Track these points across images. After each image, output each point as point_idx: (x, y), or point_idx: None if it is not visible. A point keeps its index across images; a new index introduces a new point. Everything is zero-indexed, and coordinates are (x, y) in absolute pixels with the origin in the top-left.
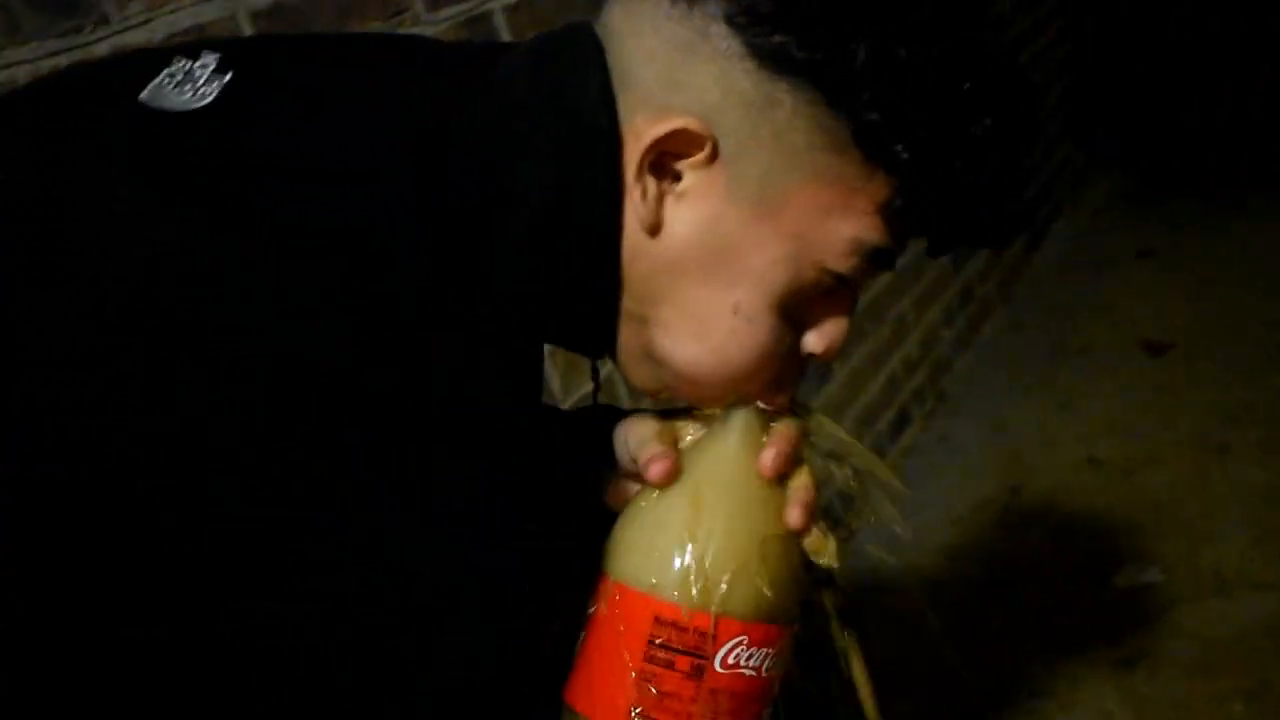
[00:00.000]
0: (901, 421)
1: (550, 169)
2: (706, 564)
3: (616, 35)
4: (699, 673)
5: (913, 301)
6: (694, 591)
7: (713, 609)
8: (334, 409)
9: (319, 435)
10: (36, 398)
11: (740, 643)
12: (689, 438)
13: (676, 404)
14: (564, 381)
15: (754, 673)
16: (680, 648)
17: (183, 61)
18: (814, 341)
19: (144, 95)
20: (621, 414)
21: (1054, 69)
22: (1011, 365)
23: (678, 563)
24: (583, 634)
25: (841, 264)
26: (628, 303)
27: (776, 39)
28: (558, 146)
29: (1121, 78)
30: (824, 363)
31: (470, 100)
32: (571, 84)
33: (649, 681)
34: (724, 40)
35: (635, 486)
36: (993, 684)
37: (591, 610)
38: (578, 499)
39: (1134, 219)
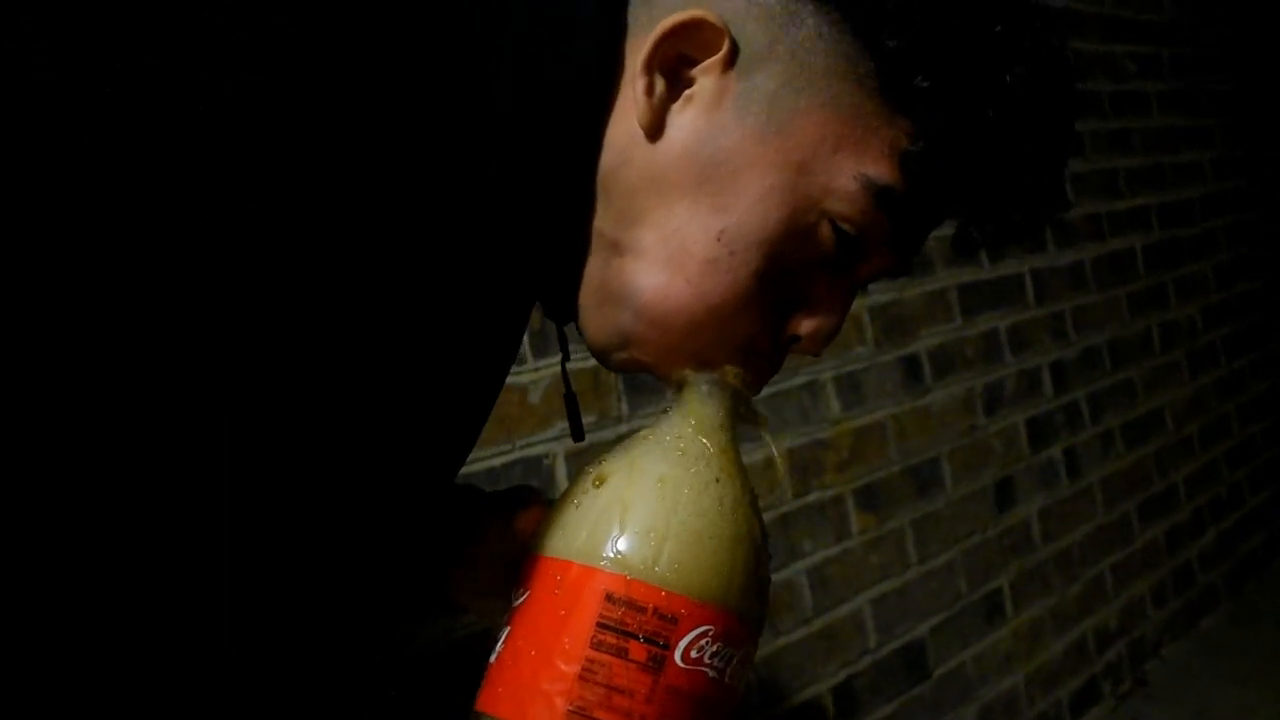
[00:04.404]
0: (1089, 694)
1: (518, 59)
2: (673, 539)
3: None
4: (657, 664)
5: (1111, 567)
6: (657, 567)
7: (678, 587)
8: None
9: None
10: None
11: (706, 634)
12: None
13: (635, 372)
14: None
15: (717, 675)
16: (636, 631)
17: None
18: (801, 321)
19: None
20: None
21: None
22: (1232, 659)
23: (638, 535)
24: (504, 630)
25: (844, 207)
26: (603, 224)
27: None
28: (529, 37)
29: None
30: (808, 354)
31: None
32: None
33: (595, 674)
34: None
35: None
36: None
37: (519, 600)
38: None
39: None
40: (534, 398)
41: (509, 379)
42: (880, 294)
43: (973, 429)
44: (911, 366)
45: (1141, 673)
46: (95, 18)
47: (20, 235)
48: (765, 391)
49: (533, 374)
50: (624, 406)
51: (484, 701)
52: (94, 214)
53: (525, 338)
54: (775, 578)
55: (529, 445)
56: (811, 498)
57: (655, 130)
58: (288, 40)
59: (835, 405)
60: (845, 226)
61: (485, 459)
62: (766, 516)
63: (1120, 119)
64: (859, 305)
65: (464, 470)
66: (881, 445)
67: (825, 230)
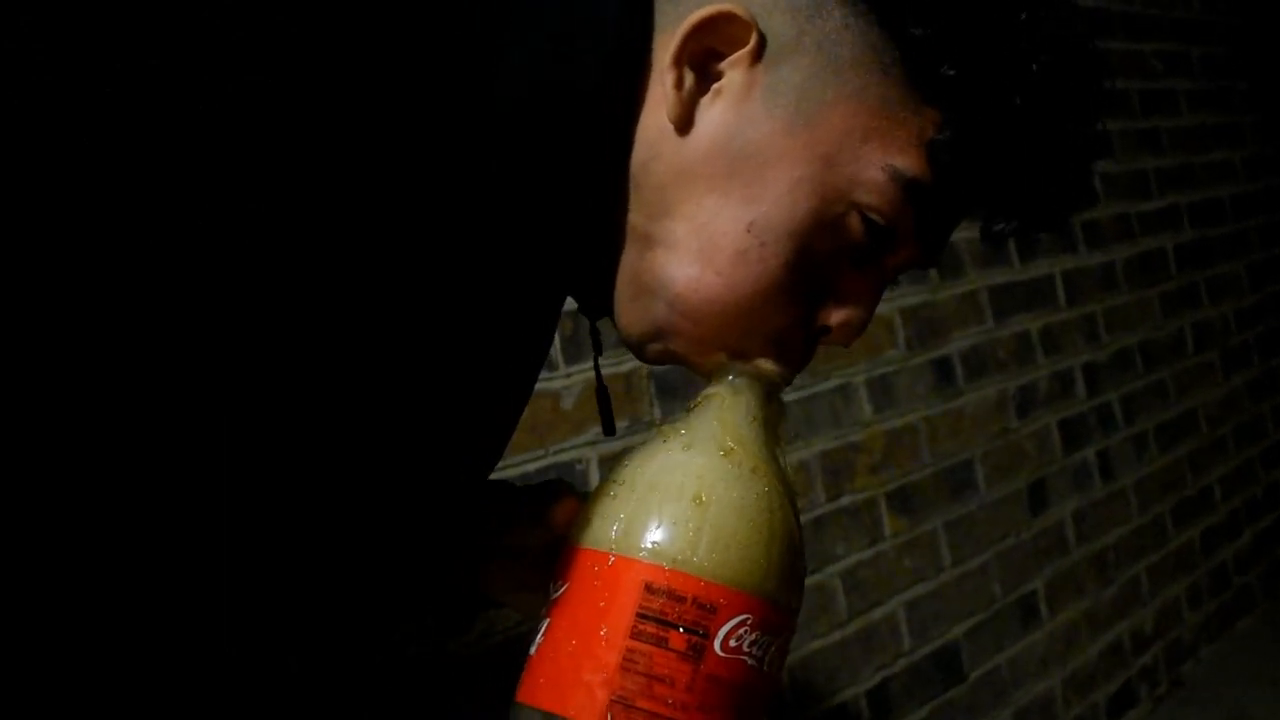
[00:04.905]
0: (1125, 697)
1: (538, 60)
2: (710, 528)
3: None
4: (697, 653)
5: (1148, 569)
6: (695, 556)
7: (717, 576)
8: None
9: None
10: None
11: (745, 622)
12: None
13: (670, 363)
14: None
15: (755, 663)
16: (676, 621)
17: None
18: (831, 313)
19: None
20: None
21: None
22: (1268, 660)
23: (676, 525)
24: (543, 622)
25: (873, 198)
26: (635, 217)
27: None
28: (549, 38)
29: None
30: (838, 345)
31: None
32: None
33: (635, 663)
34: None
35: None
36: None
37: (557, 592)
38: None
39: None
40: (566, 403)
41: (541, 385)
42: (911, 296)
43: (1005, 431)
44: (943, 369)
45: (1178, 675)
46: (95, 18)
47: (20, 235)
48: (798, 395)
49: (565, 380)
50: (656, 410)
51: (524, 693)
52: (96, 215)
53: (556, 344)
54: (809, 581)
55: (562, 450)
56: (844, 501)
57: (685, 124)
58: (288, 40)
59: (867, 408)
60: (874, 217)
61: (519, 464)
62: None
63: (1149, 118)
64: (890, 308)
65: (497, 475)
66: (914, 448)
67: (854, 221)
